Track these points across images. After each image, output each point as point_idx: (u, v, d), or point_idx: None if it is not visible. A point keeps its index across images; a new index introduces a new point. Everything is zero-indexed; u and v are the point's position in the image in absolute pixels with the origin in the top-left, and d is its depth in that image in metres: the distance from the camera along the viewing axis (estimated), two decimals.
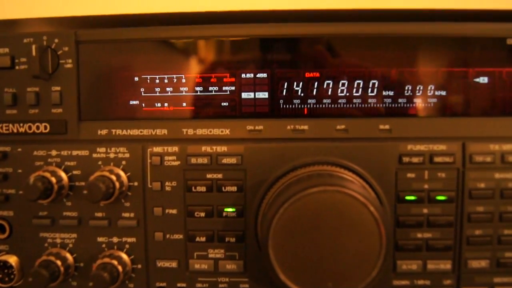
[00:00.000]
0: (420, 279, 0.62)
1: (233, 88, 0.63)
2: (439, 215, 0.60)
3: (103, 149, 0.62)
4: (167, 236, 0.62)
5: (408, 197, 0.60)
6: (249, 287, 0.63)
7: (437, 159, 0.60)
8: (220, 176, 0.61)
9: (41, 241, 0.63)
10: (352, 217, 0.53)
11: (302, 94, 0.63)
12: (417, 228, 0.61)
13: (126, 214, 0.62)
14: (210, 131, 0.62)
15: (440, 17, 0.63)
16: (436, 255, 0.61)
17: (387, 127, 0.61)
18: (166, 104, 0.63)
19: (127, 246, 0.62)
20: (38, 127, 0.63)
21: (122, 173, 0.61)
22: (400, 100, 0.62)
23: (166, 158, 0.61)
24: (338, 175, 0.58)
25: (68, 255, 0.62)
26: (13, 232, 0.64)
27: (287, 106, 0.63)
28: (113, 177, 0.59)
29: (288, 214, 0.53)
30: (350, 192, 0.52)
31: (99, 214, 0.62)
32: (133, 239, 0.62)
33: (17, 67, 0.62)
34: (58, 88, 0.62)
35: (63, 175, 0.61)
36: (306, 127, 0.62)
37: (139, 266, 0.63)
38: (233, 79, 0.63)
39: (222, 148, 0.61)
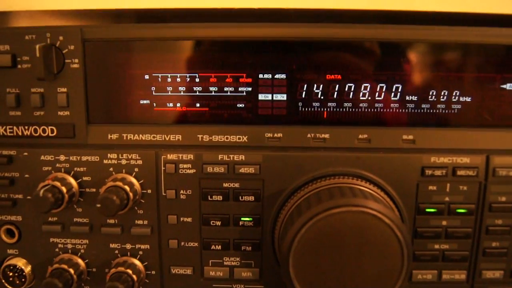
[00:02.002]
0: None
1: (249, 89, 0.60)
2: (458, 227, 0.60)
3: (114, 155, 0.59)
4: (182, 243, 0.61)
5: (428, 210, 0.60)
6: None
7: (460, 172, 0.59)
8: (237, 185, 0.59)
9: (51, 246, 0.62)
10: (374, 236, 0.52)
11: (322, 97, 0.60)
12: (435, 239, 0.60)
13: (140, 222, 0.60)
14: (227, 138, 0.60)
15: (466, 22, 0.59)
16: (452, 265, 0.61)
17: (410, 137, 0.59)
18: (178, 105, 0.60)
19: (140, 252, 0.61)
20: (44, 130, 0.60)
21: (135, 181, 0.59)
22: (423, 106, 0.60)
23: (181, 166, 0.59)
24: (360, 189, 0.56)
25: (80, 261, 0.61)
26: (22, 236, 0.62)
27: (306, 109, 0.60)
28: (127, 188, 0.56)
29: (310, 233, 0.52)
30: (374, 213, 0.51)
31: (112, 221, 0.60)
32: (146, 246, 0.61)
33: (19, 66, 0.58)
34: (64, 90, 0.59)
35: (73, 181, 0.59)
36: (327, 135, 0.59)
37: (153, 272, 0.62)
38: (250, 80, 0.60)
39: (240, 157, 0.59)
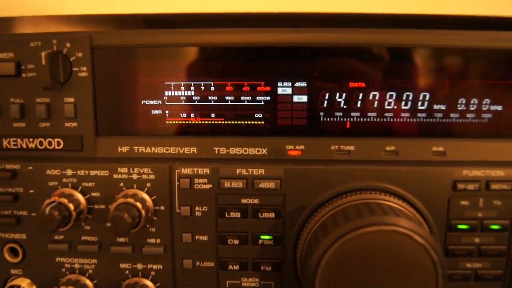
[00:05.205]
0: None
1: (268, 98, 0.56)
2: (491, 245, 0.56)
3: (124, 169, 0.56)
4: (197, 263, 0.57)
5: (460, 226, 0.56)
6: None
7: (494, 186, 0.55)
8: (256, 201, 0.56)
9: (57, 266, 0.58)
10: (407, 257, 0.48)
11: (345, 106, 0.57)
12: (467, 257, 0.57)
13: (152, 240, 0.57)
14: (245, 151, 0.56)
15: (495, 26, 0.56)
16: (485, 285, 0.57)
17: (440, 149, 0.56)
18: (192, 115, 0.57)
19: (153, 273, 0.57)
20: (50, 143, 0.56)
21: (147, 197, 0.55)
22: (454, 116, 0.57)
23: (196, 180, 0.55)
24: (389, 205, 0.53)
25: (88, 282, 0.57)
26: (27, 256, 0.58)
27: (328, 119, 0.57)
28: (139, 205, 0.53)
29: (338, 254, 0.48)
30: (407, 233, 0.47)
31: (122, 240, 0.57)
32: (159, 266, 0.57)
33: (23, 75, 0.55)
34: (72, 100, 0.55)
35: (81, 198, 0.55)
36: (352, 147, 0.56)
37: None
38: (268, 88, 0.56)
39: (259, 171, 0.55)
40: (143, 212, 0.53)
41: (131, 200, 0.53)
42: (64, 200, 0.53)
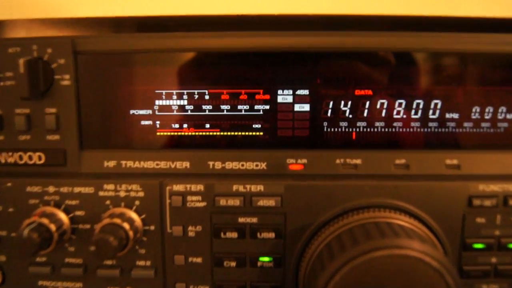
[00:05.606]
0: None
1: (267, 107, 0.53)
2: (509, 264, 0.52)
3: (111, 186, 0.52)
4: (191, 287, 0.53)
5: (476, 245, 0.52)
6: None
7: None
8: (254, 220, 0.52)
9: None
10: (420, 283, 0.44)
11: (350, 116, 0.53)
12: (483, 278, 0.53)
13: (141, 263, 0.53)
14: (242, 165, 0.52)
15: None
16: None
17: (455, 162, 0.52)
18: (185, 126, 0.53)
19: None
20: (30, 157, 0.52)
21: (135, 216, 0.51)
22: (468, 125, 0.53)
23: (189, 198, 0.51)
24: (400, 225, 0.48)
25: None
26: (6, 279, 0.54)
27: (332, 130, 0.53)
28: (126, 226, 0.48)
29: (345, 280, 0.44)
30: (421, 257, 0.43)
31: (109, 262, 0.53)
32: None
33: (1, 83, 0.51)
34: (54, 110, 0.52)
35: (64, 217, 0.51)
36: (358, 161, 0.52)
37: None
38: (267, 97, 0.52)
39: (258, 187, 0.51)
40: (130, 233, 0.49)
41: (117, 220, 0.48)
42: (45, 221, 0.48)
